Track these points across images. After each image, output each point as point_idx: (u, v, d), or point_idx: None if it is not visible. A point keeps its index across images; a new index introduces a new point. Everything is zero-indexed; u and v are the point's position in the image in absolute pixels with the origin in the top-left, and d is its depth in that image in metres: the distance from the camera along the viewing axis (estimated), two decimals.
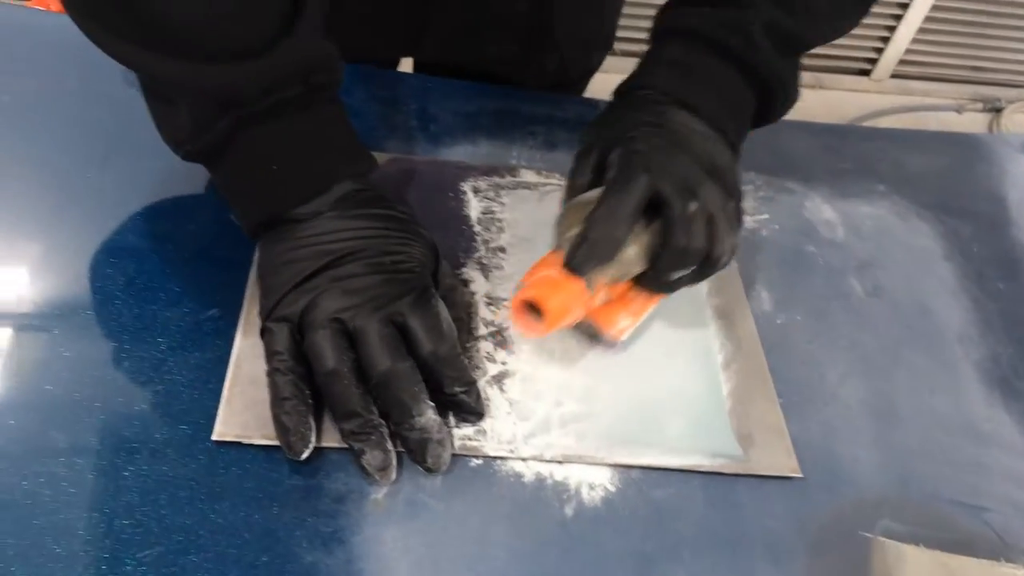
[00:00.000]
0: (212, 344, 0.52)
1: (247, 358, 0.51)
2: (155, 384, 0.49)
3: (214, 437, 0.47)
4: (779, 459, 0.53)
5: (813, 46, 0.59)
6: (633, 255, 0.52)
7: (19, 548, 0.42)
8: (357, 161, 0.53)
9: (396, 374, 0.47)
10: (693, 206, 0.51)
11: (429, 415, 0.47)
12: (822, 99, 2.39)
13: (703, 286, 0.62)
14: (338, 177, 0.52)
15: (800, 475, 0.53)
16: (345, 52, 0.53)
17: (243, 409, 0.49)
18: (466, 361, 0.49)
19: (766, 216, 0.71)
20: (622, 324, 0.56)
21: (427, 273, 0.52)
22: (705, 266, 0.53)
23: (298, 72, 0.50)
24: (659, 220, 0.52)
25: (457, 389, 0.49)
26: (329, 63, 0.52)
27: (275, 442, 0.47)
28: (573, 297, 0.50)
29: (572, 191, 0.55)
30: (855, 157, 0.80)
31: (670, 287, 0.54)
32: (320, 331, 0.47)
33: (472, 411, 0.50)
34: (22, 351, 0.49)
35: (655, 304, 0.57)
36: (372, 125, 0.69)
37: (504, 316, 0.57)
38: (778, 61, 0.57)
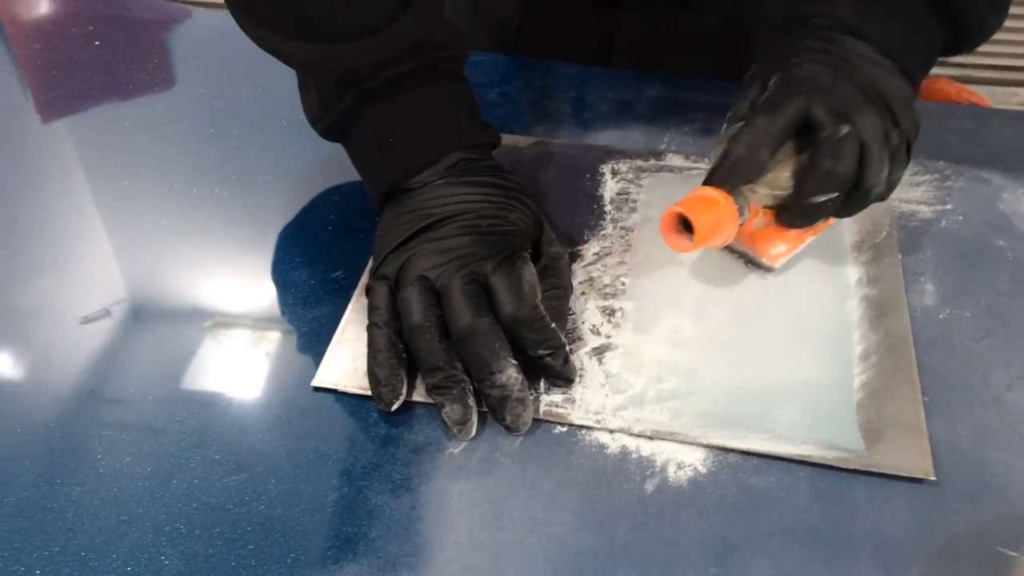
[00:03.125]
0: (331, 302, 0.55)
1: (357, 315, 0.53)
2: (276, 333, 0.53)
3: (314, 383, 0.50)
4: (910, 459, 0.47)
5: None
6: (784, 178, 0.51)
7: (147, 482, 0.47)
8: (468, 133, 0.55)
9: (476, 330, 0.47)
10: (845, 129, 0.49)
11: (510, 372, 0.47)
12: None
13: (853, 273, 0.57)
14: (447, 148, 0.54)
15: (934, 478, 0.46)
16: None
17: (345, 361, 0.51)
18: (551, 325, 0.48)
19: (949, 207, 0.64)
20: (777, 249, 0.55)
21: (523, 238, 0.52)
22: (854, 196, 0.50)
23: (410, 49, 0.53)
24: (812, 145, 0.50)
25: (542, 352, 0.48)
26: (443, 41, 0.54)
27: (369, 392, 0.49)
28: (724, 217, 0.49)
29: (733, 119, 0.54)
30: None
31: (813, 213, 0.51)
32: (409, 288, 0.49)
33: (559, 375, 0.49)
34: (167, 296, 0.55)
35: (815, 235, 0.56)
36: (522, 111, 0.70)
37: (619, 292, 0.55)
38: None
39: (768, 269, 0.56)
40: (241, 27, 0.55)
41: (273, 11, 0.53)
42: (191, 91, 0.76)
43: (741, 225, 0.51)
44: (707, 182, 0.50)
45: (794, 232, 0.55)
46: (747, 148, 0.49)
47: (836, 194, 0.50)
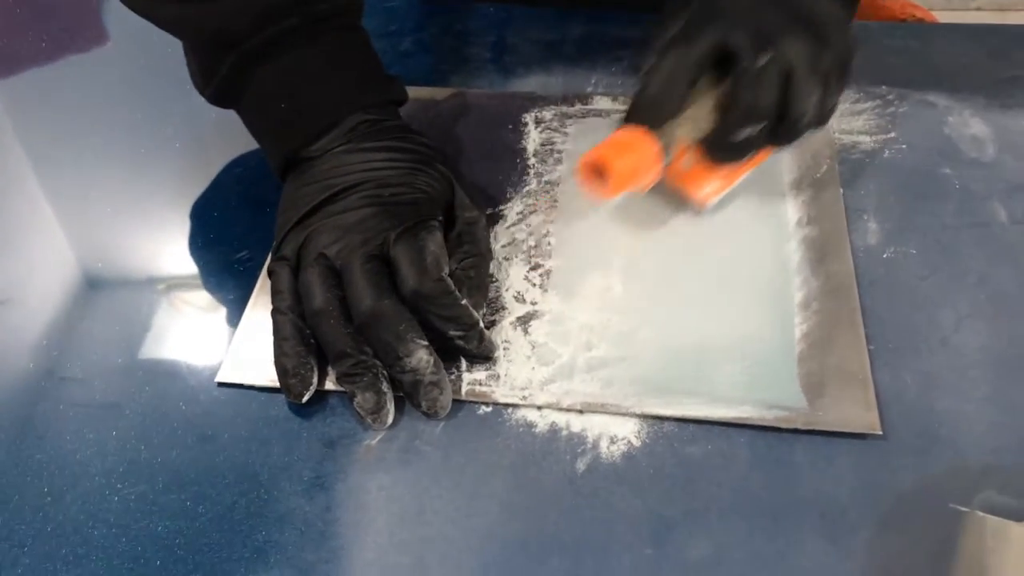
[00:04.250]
0: (237, 285, 0.51)
1: (263, 300, 0.50)
2: (177, 324, 0.49)
3: (218, 379, 0.47)
4: (854, 413, 0.44)
5: None
6: (707, 112, 0.48)
7: (15, 473, 0.43)
8: (367, 92, 0.50)
9: (378, 313, 0.43)
10: (764, 57, 0.45)
11: (420, 355, 0.43)
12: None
13: (793, 213, 0.54)
14: (344, 111, 0.49)
15: (879, 432, 0.44)
16: None
17: (251, 352, 0.47)
18: (460, 301, 0.45)
19: (892, 135, 0.60)
20: (708, 188, 0.52)
21: (432, 205, 0.48)
22: (784, 126, 0.47)
23: (291, 2, 0.47)
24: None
25: (452, 332, 0.44)
26: None
27: (278, 384, 0.45)
28: (644, 159, 0.47)
29: (655, 54, 0.50)
30: None
31: (739, 149, 0.48)
32: (309, 269, 0.45)
33: (474, 356, 0.45)
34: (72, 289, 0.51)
35: (751, 169, 0.53)
36: (440, 59, 0.66)
37: (544, 253, 0.52)
38: None
39: (699, 211, 0.53)
40: None
41: None
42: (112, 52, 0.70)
43: (668, 165, 0.48)
44: (626, 119, 0.47)
45: (726, 168, 0.51)
46: (660, 84, 0.46)
47: (761, 125, 0.47)
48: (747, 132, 0.47)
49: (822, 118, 0.49)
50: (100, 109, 0.65)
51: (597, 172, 0.47)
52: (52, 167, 0.60)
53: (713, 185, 0.52)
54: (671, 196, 0.54)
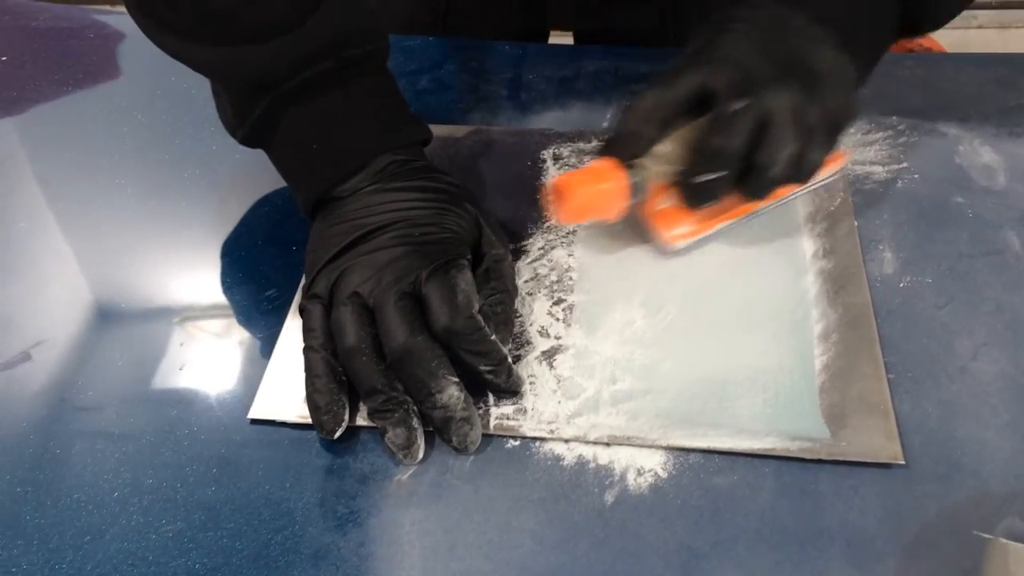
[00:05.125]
0: (266, 323, 0.52)
1: (293, 338, 0.51)
2: (209, 362, 0.50)
3: (250, 416, 0.48)
4: (876, 443, 0.45)
5: None
6: (676, 152, 0.48)
7: (54, 512, 0.44)
8: (396, 133, 0.52)
9: (410, 350, 0.44)
10: (739, 104, 0.45)
11: (451, 392, 0.44)
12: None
13: (809, 246, 0.55)
14: (374, 152, 0.50)
15: (902, 462, 0.44)
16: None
17: (282, 388, 0.48)
18: (490, 337, 0.46)
19: (905, 164, 0.61)
20: (678, 230, 0.52)
21: (460, 244, 0.49)
22: (750, 175, 0.47)
23: (327, 47, 0.49)
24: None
25: (482, 367, 0.45)
26: (362, 35, 0.50)
27: (310, 421, 0.46)
28: (609, 190, 0.48)
29: None
30: None
31: (700, 192, 0.48)
32: (341, 308, 0.46)
33: (503, 390, 0.46)
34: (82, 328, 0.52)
35: (727, 221, 0.53)
36: (458, 97, 0.67)
37: (567, 288, 0.53)
38: None
39: (666, 251, 0.54)
40: (143, 31, 0.51)
41: (174, 12, 0.49)
42: (124, 92, 0.72)
43: (643, 200, 0.49)
44: (600, 154, 0.49)
45: (699, 213, 0.51)
46: (633, 122, 0.47)
47: (723, 173, 0.46)
48: (708, 176, 0.47)
49: (799, 174, 0.48)
50: (118, 145, 0.66)
51: (560, 196, 0.48)
52: (71, 203, 0.62)
53: (684, 228, 0.53)
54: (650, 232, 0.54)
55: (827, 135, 0.47)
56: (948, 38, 1.80)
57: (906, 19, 0.52)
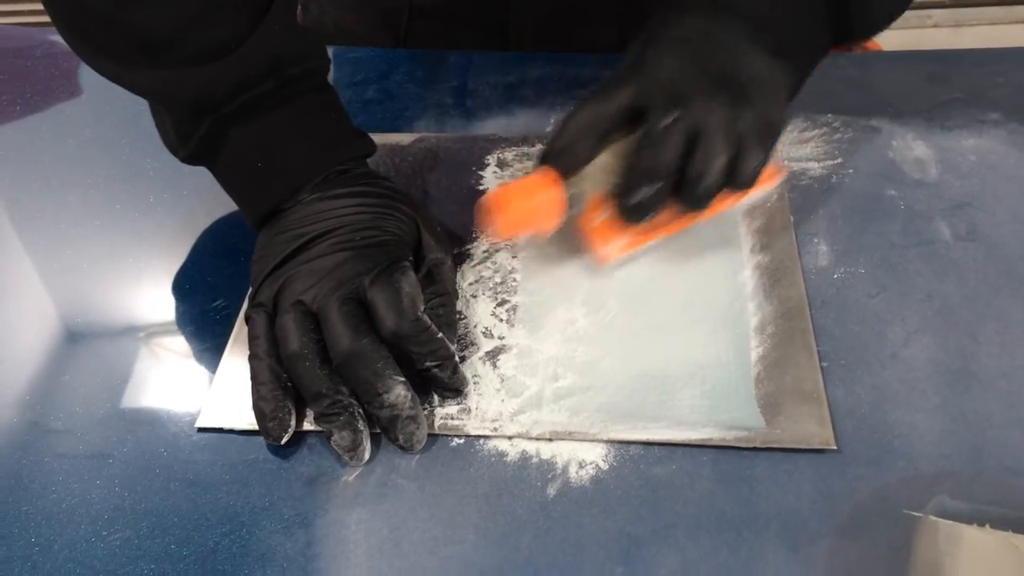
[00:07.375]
0: (213, 333, 0.53)
1: (240, 347, 0.51)
2: (156, 371, 0.51)
3: (198, 424, 0.48)
4: (809, 429, 0.46)
5: None
6: (612, 165, 0.48)
7: (2, 526, 0.44)
8: (339, 150, 0.52)
9: (356, 352, 0.45)
10: (668, 118, 0.46)
11: (398, 391, 0.45)
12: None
13: (746, 242, 0.56)
14: (319, 169, 0.51)
15: (834, 447, 0.46)
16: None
17: (230, 396, 0.49)
18: (437, 335, 0.47)
19: (839, 160, 0.63)
20: (612, 246, 0.52)
21: (402, 247, 0.50)
22: (684, 188, 0.47)
23: (267, 68, 0.50)
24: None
25: (429, 364, 0.46)
26: (302, 54, 0.51)
27: (257, 427, 0.47)
28: (544, 205, 0.48)
29: None
30: (966, 85, 0.70)
31: (637, 211, 0.48)
32: (285, 315, 0.47)
33: (447, 386, 0.47)
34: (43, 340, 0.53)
35: (662, 236, 0.53)
36: (404, 106, 0.68)
37: (510, 289, 0.54)
38: None
39: (598, 266, 0.54)
40: (77, 54, 0.51)
41: (110, 37, 0.49)
42: (83, 111, 0.72)
43: (579, 214, 0.50)
44: (536, 167, 0.49)
45: (633, 229, 0.51)
46: (570, 135, 0.47)
47: (656, 187, 0.46)
48: (643, 192, 0.46)
49: (736, 181, 0.47)
50: (75, 163, 0.66)
51: (495, 209, 0.48)
52: (29, 221, 0.62)
53: (618, 244, 0.53)
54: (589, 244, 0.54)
55: (759, 140, 0.47)
56: (901, 38, 1.84)
57: (838, 26, 0.53)
